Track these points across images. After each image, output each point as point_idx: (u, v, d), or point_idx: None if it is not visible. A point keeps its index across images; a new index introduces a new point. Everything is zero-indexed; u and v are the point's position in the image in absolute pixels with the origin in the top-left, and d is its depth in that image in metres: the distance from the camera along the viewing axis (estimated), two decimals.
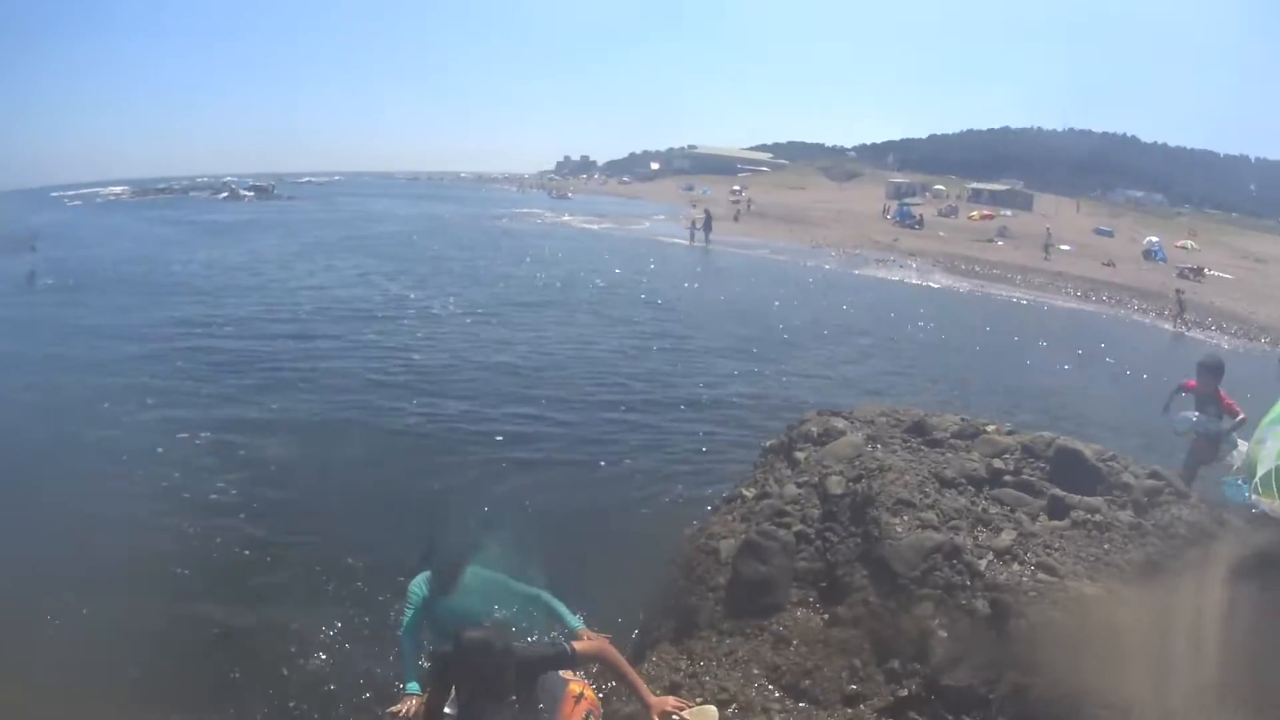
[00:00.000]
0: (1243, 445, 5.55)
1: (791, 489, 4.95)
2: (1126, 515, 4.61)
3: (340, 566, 6.20)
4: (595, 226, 44.81)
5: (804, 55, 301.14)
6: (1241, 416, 6.33)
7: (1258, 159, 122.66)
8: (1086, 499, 4.66)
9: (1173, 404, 7.16)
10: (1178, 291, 26.74)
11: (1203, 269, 40.46)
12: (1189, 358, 9.11)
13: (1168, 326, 23.93)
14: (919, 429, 5.19)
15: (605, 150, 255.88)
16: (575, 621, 3.84)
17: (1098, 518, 4.55)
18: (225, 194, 70.68)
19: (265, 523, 6.94)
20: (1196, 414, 6.74)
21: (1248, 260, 52.41)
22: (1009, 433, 5.12)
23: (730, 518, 5.17)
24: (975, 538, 4.29)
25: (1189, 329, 23.49)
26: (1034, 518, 4.55)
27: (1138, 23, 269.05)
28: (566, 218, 50.74)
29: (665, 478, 8.08)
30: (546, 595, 3.90)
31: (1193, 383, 6.92)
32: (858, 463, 4.85)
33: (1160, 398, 7.42)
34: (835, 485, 4.74)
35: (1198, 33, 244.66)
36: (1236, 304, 29.09)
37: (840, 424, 5.39)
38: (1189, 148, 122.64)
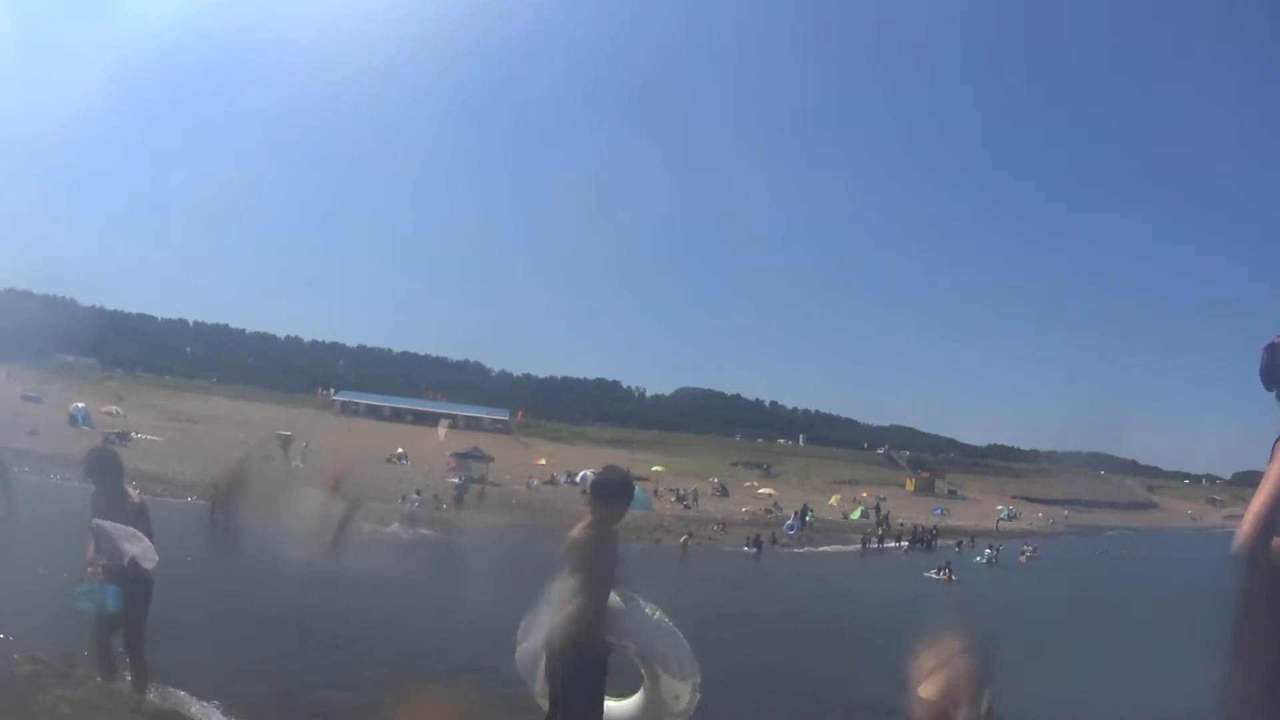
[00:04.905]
0: None
1: None
2: None
3: None
4: None
5: None
6: None
7: (195, 323, 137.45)
8: None
9: None
10: None
11: (129, 432, 43.98)
12: None
13: None
14: None
15: None
16: None
17: None
18: None
19: None
20: None
21: (178, 421, 58.68)
22: None
23: None
24: None
25: None
26: None
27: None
28: None
29: None
30: None
31: None
32: None
33: None
34: None
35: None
36: (162, 465, 33.07)
37: None
38: (128, 312, 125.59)
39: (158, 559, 5.38)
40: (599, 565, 4.28)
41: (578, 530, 4.35)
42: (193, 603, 8.77)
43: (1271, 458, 2.46)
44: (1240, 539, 2.44)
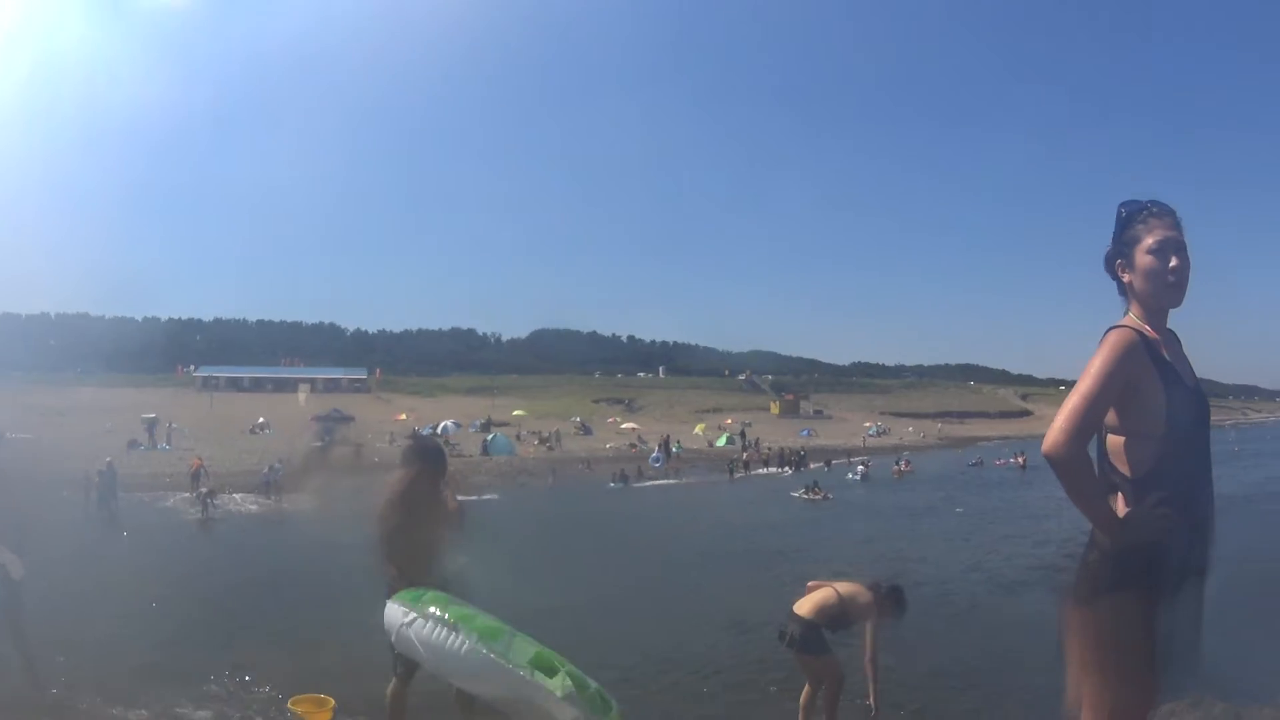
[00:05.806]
0: None
1: None
2: None
3: None
4: None
5: None
6: None
7: (57, 314, 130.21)
8: None
9: None
10: None
11: (3, 434, 43.01)
12: None
13: None
14: None
15: None
16: None
17: None
18: None
19: None
20: None
21: (49, 416, 56.91)
22: None
23: None
24: None
25: None
26: None
27: None
28: None
29: None
30: None
31: None
32: None
33: None
34: None
35: None
36: (37, 462, 32.51)
37: None
38: None
39: (23, 571, 5.50)
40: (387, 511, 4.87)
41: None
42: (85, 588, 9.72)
43: (1099, 347, 2.21)
44: (1051, 439, 2.12)
